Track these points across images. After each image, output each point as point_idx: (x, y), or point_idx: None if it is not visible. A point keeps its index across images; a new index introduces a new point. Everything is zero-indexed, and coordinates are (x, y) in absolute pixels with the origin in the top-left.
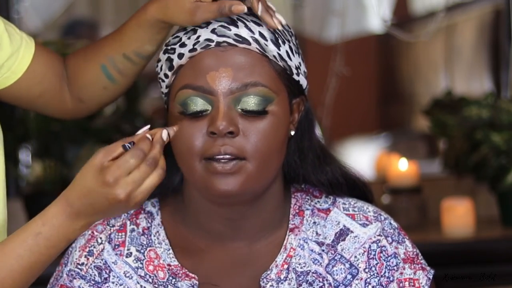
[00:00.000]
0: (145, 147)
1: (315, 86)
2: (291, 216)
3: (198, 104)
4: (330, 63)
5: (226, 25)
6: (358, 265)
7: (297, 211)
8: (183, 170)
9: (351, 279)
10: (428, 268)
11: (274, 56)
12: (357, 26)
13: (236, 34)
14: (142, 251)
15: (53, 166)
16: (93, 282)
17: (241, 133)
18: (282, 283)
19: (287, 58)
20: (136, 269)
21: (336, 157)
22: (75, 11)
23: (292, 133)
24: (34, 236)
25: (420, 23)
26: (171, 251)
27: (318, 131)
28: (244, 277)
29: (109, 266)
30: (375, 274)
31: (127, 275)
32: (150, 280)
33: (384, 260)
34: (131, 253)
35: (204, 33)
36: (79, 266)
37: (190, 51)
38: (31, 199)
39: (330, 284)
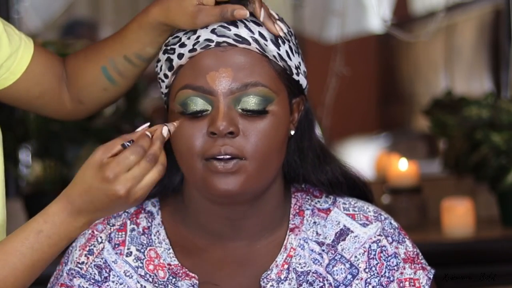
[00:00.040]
0: (145, 144)
1: (315, 86)
2: (291, 216)
3: (198, 104)
4: (330, 63)
5: (226, 25)
6: (358, 265)
7: (297, 211)
8: (183, 170)
9: (352, 279)
10: (428, 268)
11: (274, 56)
12: (357, 26)
13: (236, 34)
14: (142, 250)
15: (53, 166)
16: (93, 281)
17: (241, 133)
18: (282, 283)
19: (287, 58)
20: (136, 269)
21: (336, 157)
22: (75, 11)
23: (292, 132)
24: (36, 234)
25: (420, 23)
26: (171, 250)
27: (318, 131)
28: (244, 277)
29: (109, 265)
30: (375, 274)
31: (127, 274)
32: (150, 279)
33: (385, 260)
34: (131, 252)
35: (204, 33)
36: (79, 265)
37: (190, 51)
38: (31, 199)
39: (330, 284)
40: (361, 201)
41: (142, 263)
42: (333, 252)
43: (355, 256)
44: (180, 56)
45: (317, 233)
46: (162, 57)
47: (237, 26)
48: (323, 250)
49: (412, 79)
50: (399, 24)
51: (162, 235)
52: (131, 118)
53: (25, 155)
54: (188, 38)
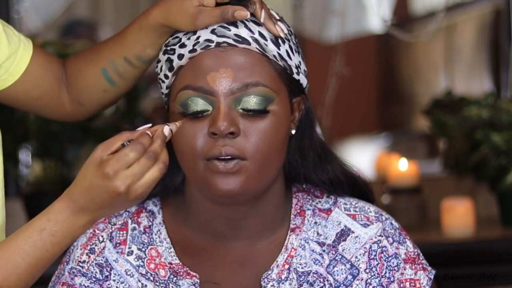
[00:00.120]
0: (144, 142)
1: (315, 86)
2: (292, 216)
3: (199, 104)
4: (330, 63)
5: (225, 25)
6: (359, 265)
7: (298, 211)
8: (184, 170)
9: (352, 280)
10: (429, 268)
11: (274, 56)
12: (357, 26)
13: (236, 34)
14: (143, 249)
15: (53, 166)
16: (94, 280)
17: (242, 133)
18: (283, 283)
19: (287, 58)
20: (137, 267)
21: (337, 155)
22: (75, 11)
23: (293, 132)
24: (39, 232)
25: (420, 23)
26: (172, 249)
27: (318, 130)
28: (245, 277)
29: (110, 264)
30: (376, 275)
31: (128, 273)
32: (151, 278)
33: (385, 261)
34: (132, 251)
35: (204, 34)
36: (80, 264)
37: (190, 51)
38: (31, 199)
39: (331, 284)
40: (362, 201)
41: (143, 262)
42: (333, 252)
43: (356, 257)
44: (180, 56)
45: (318, 233)
46: (162, 57)
47: (237, 26)
48: (324, 251)
49: (412, 79)
50: (399, 24)
51: (163, 234)
52: (131, 118)
53: (25, 155)
54: (188, 39)
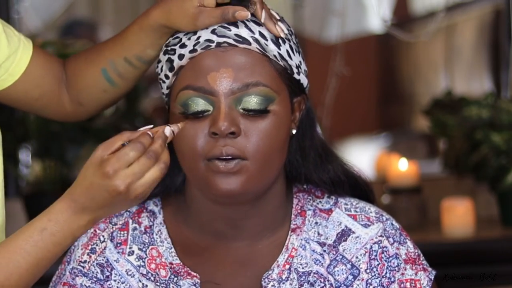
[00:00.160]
0: (145, 141)
1: (315, 86)
2: (293, 216)
3: (199, 104)
4: (330, 63)
5: (226, 25)
6: (359, 265)
7: (299, 211)
8: (185, 170)
9: (353, 280)
10: (429, 269)
11: (275, 56)
12: (357, 26)
13: (236, 34)
14: (144, 249)
15: (53, 166)
16: (95, 279)
17: (242, 133)
18: (283, 283)
19: (287, 58)
20: (138, 267)
21: (338, 155)
22: (75, 11)
23: (294, 132)
24: (40, 232)
25: (420, 23)
26: (173, 249)
27: (318, 131)
28: (246, 277)
29: (111, 264)
30: (377, 275)
31: (129, 273)
32: (152, 278)
33: (386, 261)
34: (133, 251)
35: (204, 34)
36: (81, 264)
37: (190, 51)
38: (31, 199)
39: (331, 284)
40: (362, 201)
41: (144, 262)
42: (334, 252)
43: (356, 257)
44: (181, 56)
45: (318, 233)
46: (163, 57)
47: (237, 26)
48: (325, 251)
49: (412, 79)
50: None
51: (164, 234)
52: (131, 118)
53: (25, 155)
54: (189, 39)
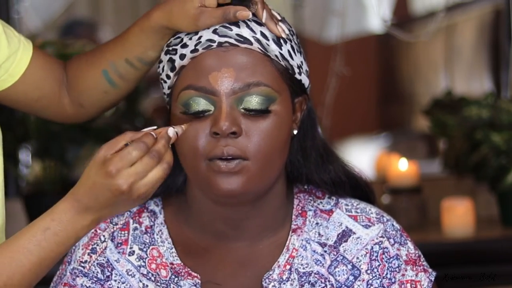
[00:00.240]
0: (148, 141)
1: (315, 86)
2: (293, 216)
3: (201, 104)
4: (330, 63)
5: (227, 25)
6: (360, 266)
7: (299, 211)
8: (186, 170)
9: (353, 280)
10: (430, 270)
11: (276, 56)
12: (357, 26)
13: (237, 34)
14: (144, 249)
15: (53, 166)
16: (95, 279)
17: (243, 133)
18: (284, 283)
19: (289, 58)
20: (138, 267)
21: (339, 156)
22: (75, 11)
23: (295, 132)
24: (43, 232)
25: (420, 23)
26: (173, 249)
27: (319, 131)
28: (246, 277)
29: (111, 264)
30: (377, 276)
31: (129, 273)
32: (153, 278)
33: (386, 262)
34: (133, 251)
35: (206, 34)
36: (82, 264)
37: (191, 51)
38: (31, 199)
39: (332, 285)
40: (363, 202)
41: (144, 262)
42: (335, 253)
43: (357, 258)
44: (182, 56)
45: (319, 234)
46: (164, 57)
47: (238, 26)
48: (325, 251)
49: (412, 79)
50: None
51: (165, 234)
52: (131, 118)
53: (25, 155)
54: (190, 39)
